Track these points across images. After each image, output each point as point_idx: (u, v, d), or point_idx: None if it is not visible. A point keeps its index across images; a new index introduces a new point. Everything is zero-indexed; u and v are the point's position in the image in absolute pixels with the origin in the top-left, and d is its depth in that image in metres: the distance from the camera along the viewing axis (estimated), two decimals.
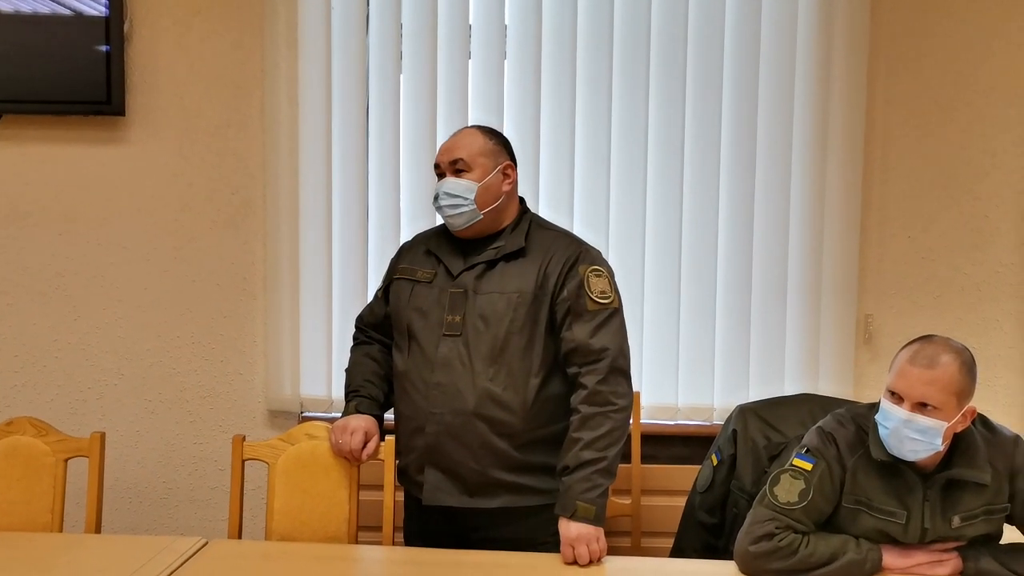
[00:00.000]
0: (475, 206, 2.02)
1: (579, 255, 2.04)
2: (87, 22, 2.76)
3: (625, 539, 2.62)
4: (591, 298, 2.00)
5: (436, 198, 2.05)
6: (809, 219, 2.76)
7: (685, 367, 2.81)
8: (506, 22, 2.79)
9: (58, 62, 2.77)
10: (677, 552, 2.31)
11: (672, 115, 2.77)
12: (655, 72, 2.76)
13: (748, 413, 2.27)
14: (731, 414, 2.32)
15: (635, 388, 2.19)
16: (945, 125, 2.77)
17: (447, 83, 2.80)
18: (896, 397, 1.77)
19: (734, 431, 2.26)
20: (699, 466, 2.37)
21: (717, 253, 2.80)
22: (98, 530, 2.18)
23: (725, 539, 2.22)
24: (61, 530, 2.17)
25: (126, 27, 2.78)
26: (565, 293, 2.00)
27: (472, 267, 2.04)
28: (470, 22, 2.79)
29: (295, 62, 2.78)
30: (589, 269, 2.02)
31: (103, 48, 2.75)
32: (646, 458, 2.70)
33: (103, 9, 2.75)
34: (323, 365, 2.84)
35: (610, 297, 2.02)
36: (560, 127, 2.79)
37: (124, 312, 2.90)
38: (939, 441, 1.75)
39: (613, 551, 1.96)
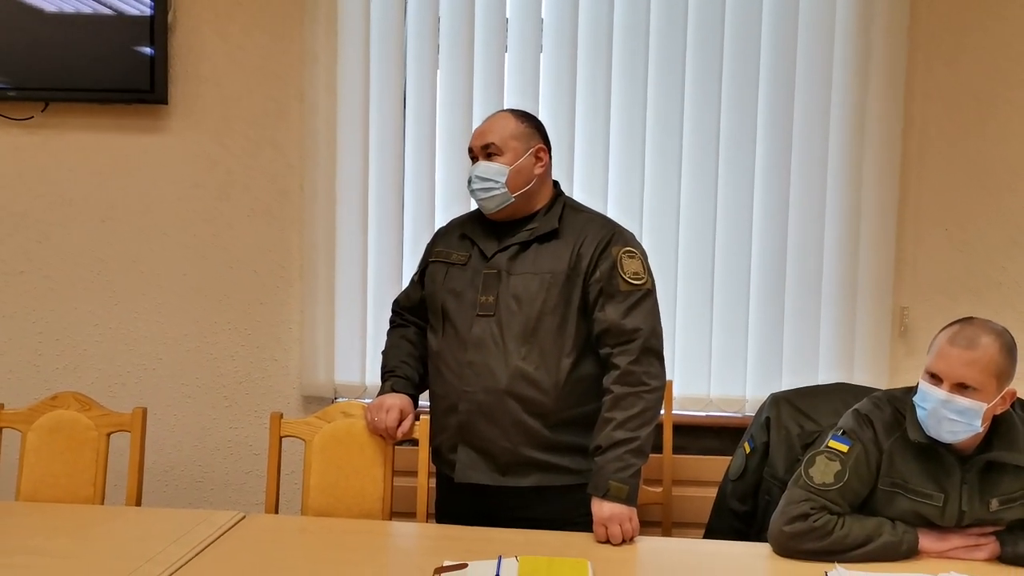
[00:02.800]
0: (506, 189, 2.04)
1: (612, 236, 2.06)
2: (131, 20, 2.82)
3: (656, 529, 2.62)
4: (624, 279, 2.01)
5: (469, 182, 2.08)
6: (845, 211, 2.75)
7: (718, 357, 2.81)
8: (542, 16, 2.82)
9: (102, 55, 2.84)
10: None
11: (708, 107, 2.78)
12: (691, 65, 2.78)
13: (782, 401, 2.26)
14: (764, 402, 2.32)
15: (667, 378, 2.20)
16: (984, 120, 2.76)
17: (483, 76, 2.83)
18: (935, 378, 1.76)
19: (767, 419, 2.25)
20: (730, 457, 2.37)
21: (751, 244, 2.80)
22: (138, 503, 2.22)
23: (757, 527, 2.21)
24: (103, 503, 2.22)
25: (170, 18, 2.85)
26: (598, 274, 2.02)
27: (506, 248, 2.06)
28: (507, 16, 2.83)
29: (334, 54, 2.83)
30: (622, 250, 2.04)
31: (147, 46, 2.82)
32: (677, 449, 2.70)
33: (147, 9, 2.82)
34: (357, 352, 2.87)
35: (643, 278, 2.03)
36: (595, 121, 2.81)
37: (163, 298, 2.96)
38: (978, 423, 1.73)
39: (644, 535, 1.96)
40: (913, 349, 2.77)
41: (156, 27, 2.82)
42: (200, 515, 2.03)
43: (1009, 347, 1.75)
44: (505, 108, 2.26)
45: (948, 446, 1.79)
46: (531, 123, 2.12)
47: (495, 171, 2.04)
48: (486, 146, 2.07)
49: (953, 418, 1.73)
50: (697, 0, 2.76)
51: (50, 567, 1.74)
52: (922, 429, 1.79)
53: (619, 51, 2.79)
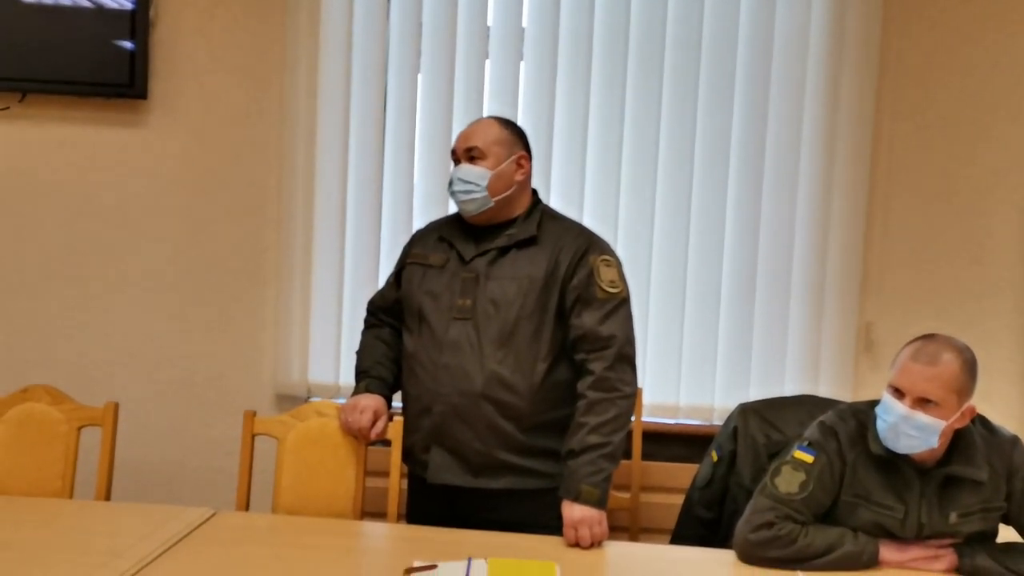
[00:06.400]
0: (486, 193, 2.07)
1: (590, 245, 2.10)
2: (112, 14, 2.81)
3: (623, 534, 2.65)
4: (601, 287, 2.04)
5: (450, 183, 2.10)
6: (814, 227, 2.81)
7: (688, 367, 2.85)
8: (524, 25, 2.85)
9: (82, 47, 2.82)
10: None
11: (684, 121, 2.83)
12: (668, 79, 2.82)
13: (749, 412, 2.30)
14: (732, 412, 2.35)
15: (638, 385, 2.24)
16: (951, 141, 2.82)
17: (464, 82, 2.85)
18: (898, 393, 1.80)
19: (735, 428, 2.29)
20: (698, 465, 2.41)
21: (723, 257, 2.85)
22: (108, 498, 2.21)
23: (722, 534, 2.25)
24: (71, 497, 2.20)
25: (151, 13, 2.84)
26: (575, 281, 2.05)
27: (484, 253, 2.09)
28: (488, 23, 2.85)
29: (316, 55, 2.84)
30: (599, 258, 2.07)
31: (128, 40, 2.81)
32: (646, 456, 2.74)
33: (128, 3, 2.81)
34: (332, 352, 2.88)
35: (619, 287, 2.07)
36: (574, 130, 2.84)
37: (137, 293, 2.94)
38: (935, 439, 1.78)
39: (611, 540, 1.99)
40: (877, 363, 2.83)
41: (137, 21, 2.82)
42: (170, 511, 2.03)
43: (970, 364, 1.81)
44: (490, 115, 2.29)
45: (909, 460, 1.84)
46: (515, 131, 2.15)
47: (477, 175, 2.07)
48: (469, 149, 2.10)
49: (911, 434, 1.77)
50: (676, 17, 2.80)
51: (16, 560, 1.73)
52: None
53: (598, 61, 2.83)
